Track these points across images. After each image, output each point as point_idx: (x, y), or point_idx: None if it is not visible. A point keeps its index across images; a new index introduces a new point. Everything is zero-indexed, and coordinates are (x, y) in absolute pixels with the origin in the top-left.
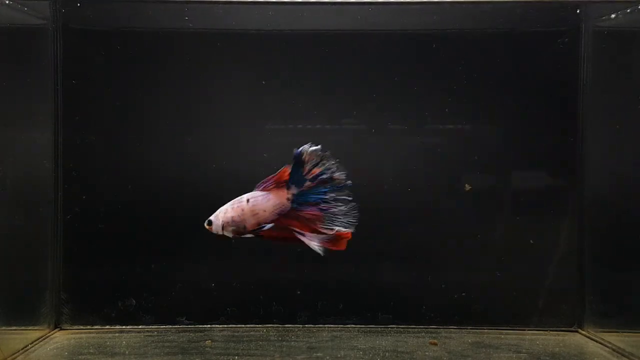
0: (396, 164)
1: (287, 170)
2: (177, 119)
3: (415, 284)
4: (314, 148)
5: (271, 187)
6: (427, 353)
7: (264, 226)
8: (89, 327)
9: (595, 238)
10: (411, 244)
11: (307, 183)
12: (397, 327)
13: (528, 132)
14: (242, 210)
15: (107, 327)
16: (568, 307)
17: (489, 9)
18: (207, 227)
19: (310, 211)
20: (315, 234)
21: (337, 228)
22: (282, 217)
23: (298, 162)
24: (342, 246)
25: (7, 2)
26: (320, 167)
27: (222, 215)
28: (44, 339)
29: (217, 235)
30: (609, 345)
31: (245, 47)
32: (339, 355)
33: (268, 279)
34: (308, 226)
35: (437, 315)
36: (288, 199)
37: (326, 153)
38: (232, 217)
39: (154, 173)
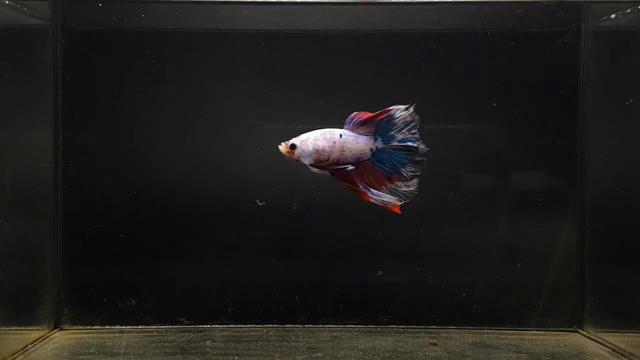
0: None
1: (382, 115)
2: (177, 119)
3: (415, 284)
4: (411, 110)
5: (362, 129)
6: (427, 353)
7: (347, 166)
8: (89, 327)
9: (595, 238)
10: (411, 244)
11: (394, 143)
12: (397, 327)
13: (528, 132)
14: (334, 143)
15: (107, 327)
16: (568, 307)
17: (489, 9)
18: (286, 150)
19: (382, 172)
20: (377, 192)
21: (389, 200)
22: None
23: (391, 119)
24: (397, 210)
25: (7, 2)
26: (408, 132)
27: (312, 141)
28: (44, 339)
29: (290, 159)
30: (609, 345)
31: (245, 47)
32: (339, 356)
33: (268, 279)
34: (372, 183)
35: (437, 315)
36: (371, 150)
37: (416, 117)
38: (323, 147)
39: (154, 173)
